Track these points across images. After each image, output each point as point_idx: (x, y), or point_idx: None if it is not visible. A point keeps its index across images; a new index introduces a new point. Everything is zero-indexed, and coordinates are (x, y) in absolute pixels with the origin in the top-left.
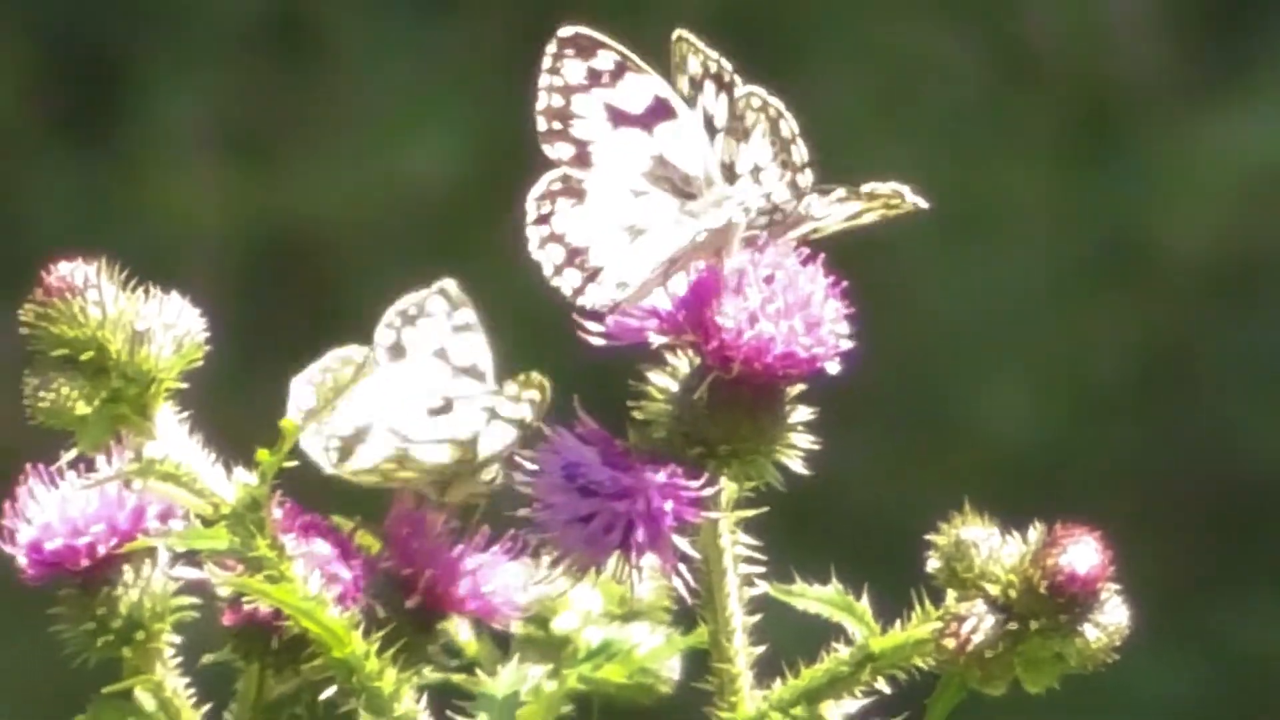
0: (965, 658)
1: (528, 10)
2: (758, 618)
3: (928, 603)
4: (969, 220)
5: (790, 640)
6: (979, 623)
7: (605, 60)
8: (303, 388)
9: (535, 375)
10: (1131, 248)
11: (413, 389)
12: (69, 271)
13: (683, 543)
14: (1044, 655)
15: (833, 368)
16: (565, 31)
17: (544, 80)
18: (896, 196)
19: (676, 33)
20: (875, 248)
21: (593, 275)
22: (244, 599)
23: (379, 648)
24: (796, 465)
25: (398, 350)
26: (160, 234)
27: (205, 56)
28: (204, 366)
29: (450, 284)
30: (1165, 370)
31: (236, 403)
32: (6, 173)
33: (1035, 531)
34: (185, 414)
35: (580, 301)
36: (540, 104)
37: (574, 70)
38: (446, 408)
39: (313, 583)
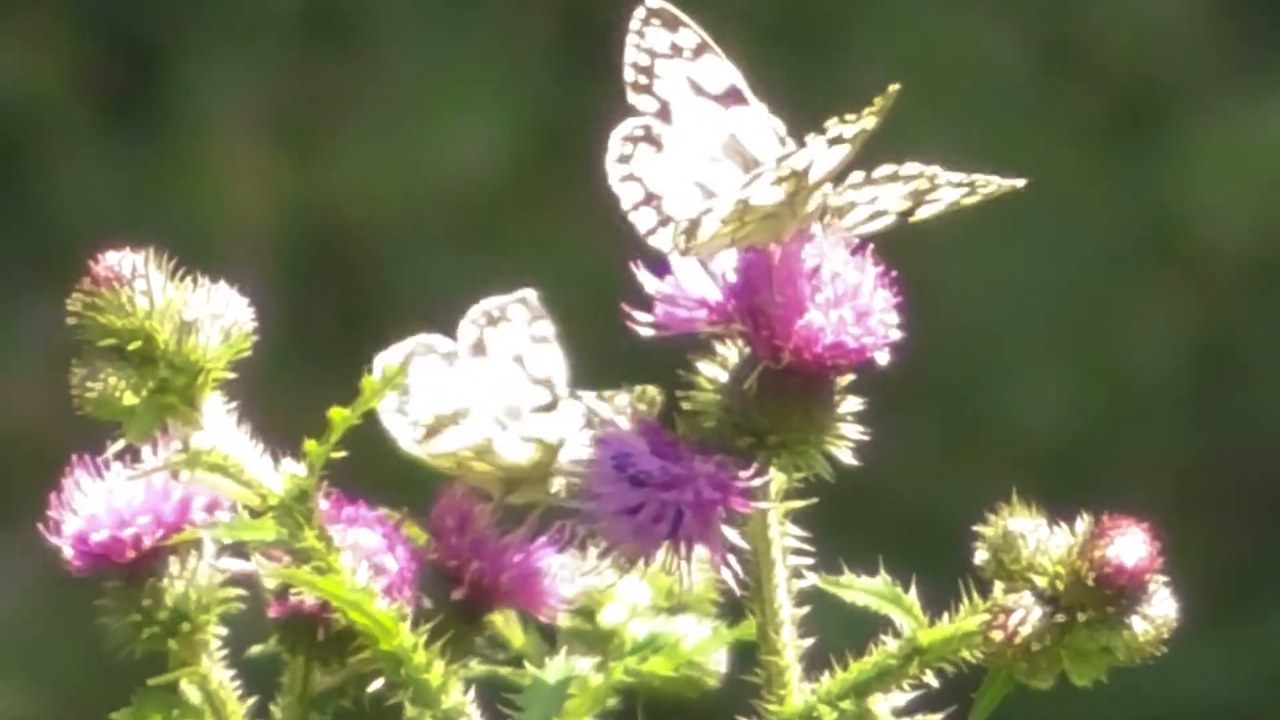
0: (1013, 650)
1: None
2: (806, 610)
3: (975, 595)
4: (1008, 210)
5: (837, 633)
6: (1026, 615)
7: (687, 38)
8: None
9: (650, 390)
10: (1172, 238)
11: (502, 386)
12: (117, 261)
13: (732, 533)
14: (1091, 647)
15: (882, 358)
16: (652, 2)
17: (631, 39)
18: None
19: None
20: (914, 238)
21: (665, 220)
22: (291, 590)
23: (426, 640)
24: (845, 456)
25: (479, 348)
26: (202, 221)
27: (248, 42)
28: (248, 356)
29: (531, 294)
30: (1206, 361)
31: (278, 392)
32: (49, 158)
33: (1082, 523)
34: (232, 404)
35: (651, 241)
36: (628, 57)
37: (658, 39)
38: (550, 406)
39: (360, 574)
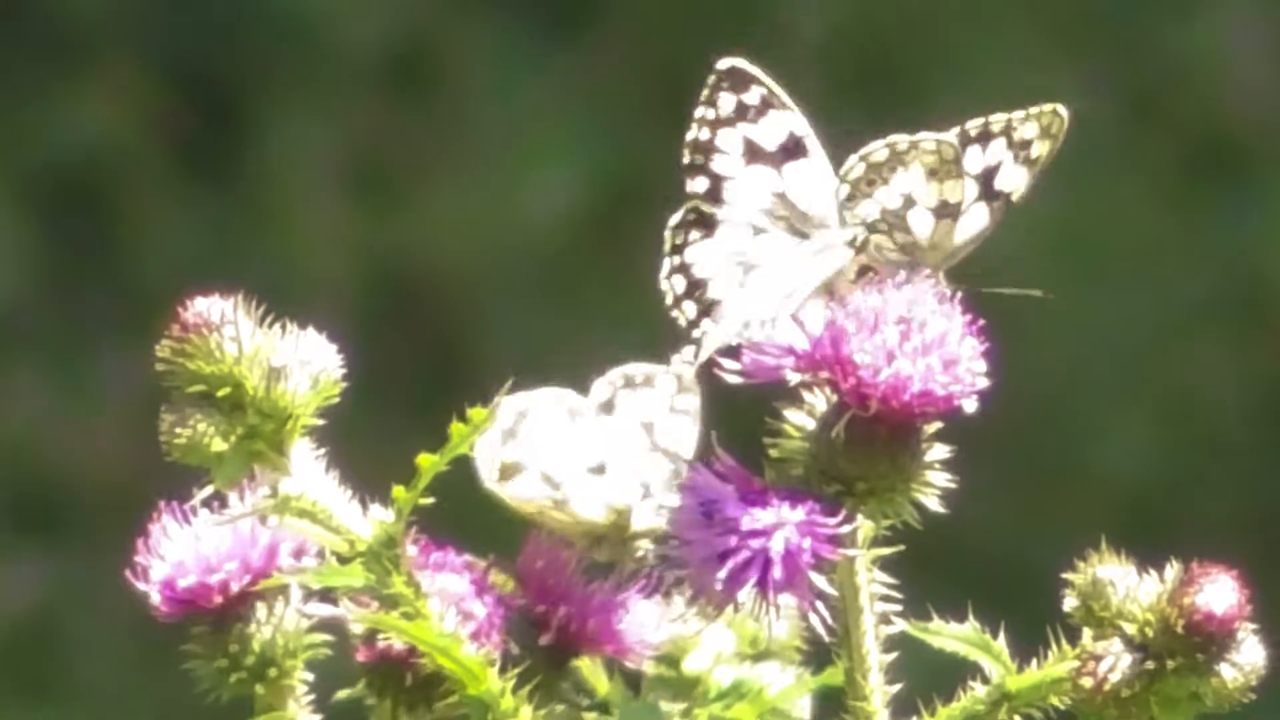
0: (1102, 697)
1: (653, 47)
2: (893, 656)
3: (1064, 641)
4: (1089, 257)
5: (925, 679)
6: (1116, 661)
7: (754, 95)
8: (505, 411)
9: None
10: (1252, 287)
11: (614, 447)
12: (206, 307)
13: (820, 580)
14: (1180, 694)
15: (970, 405)
16: (724, 64)
17: (698, 112)
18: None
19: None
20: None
21: (708, 309)
22: (378, 635)
23: (513, 685)
24: (933, 503)
25: (608, 407)
26: (284, 270)
27: (329, 91)
28: (335, 403)
29: (688, 372)
30: None
31: (364, 438)
32: (131, 208)
33: (1171, 570)
34: (320, 450)
35: (694, 335)
36: (689, 135)
37: (726, 103)
38: (600, 469)
39: (448, 620)
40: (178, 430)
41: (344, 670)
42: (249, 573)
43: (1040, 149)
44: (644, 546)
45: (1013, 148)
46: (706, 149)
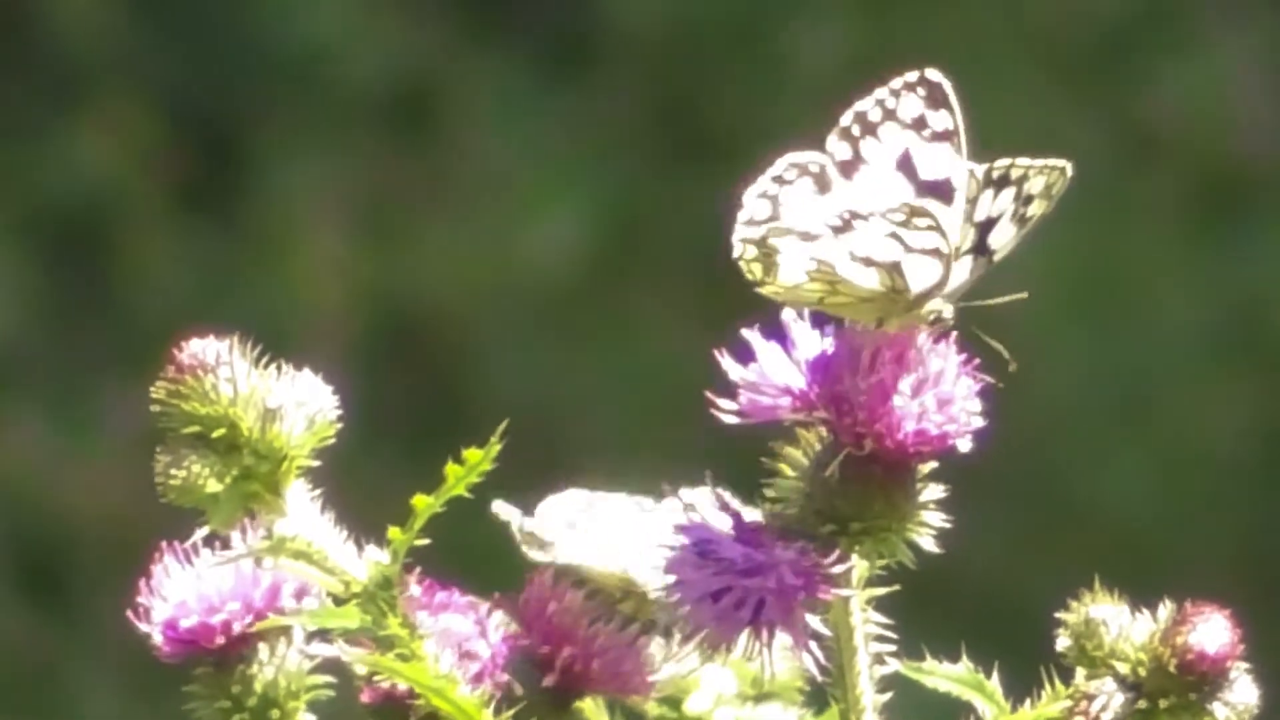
0: None
1: (655, 87)
2: (888, 696)
3: (1057, 681)
4: (1091, 296)
5: (919, 719)
6: (1109, 701)
7: (940, 120)
8: (552, 509)
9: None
10: (1255, 325)
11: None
12: (201, 348)
13: (814, 620)
14: None
15: (964, 445)
16: (934, 75)
17: (879, 93)
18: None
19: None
20: (996, 323)
21: (770, 254)
22: (379, 676)
23: None
24: (928, 543)
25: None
26: (283, 309)
27: (328, 129)
28: (331, 443)
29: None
30: None
31: (362, 479)
32: (129, 246)
33: (1165, 609)
34: (316, 491)
35: (735, 251)
36: (861, 106)
37: (910, 106)
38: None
39: (444, 661)
40: (173, 472)
41: (347, 711)
42: (251, 613)
43: (1036, 209)
44: (664, 610)
45: (1018, 200)
46: (868, 128)
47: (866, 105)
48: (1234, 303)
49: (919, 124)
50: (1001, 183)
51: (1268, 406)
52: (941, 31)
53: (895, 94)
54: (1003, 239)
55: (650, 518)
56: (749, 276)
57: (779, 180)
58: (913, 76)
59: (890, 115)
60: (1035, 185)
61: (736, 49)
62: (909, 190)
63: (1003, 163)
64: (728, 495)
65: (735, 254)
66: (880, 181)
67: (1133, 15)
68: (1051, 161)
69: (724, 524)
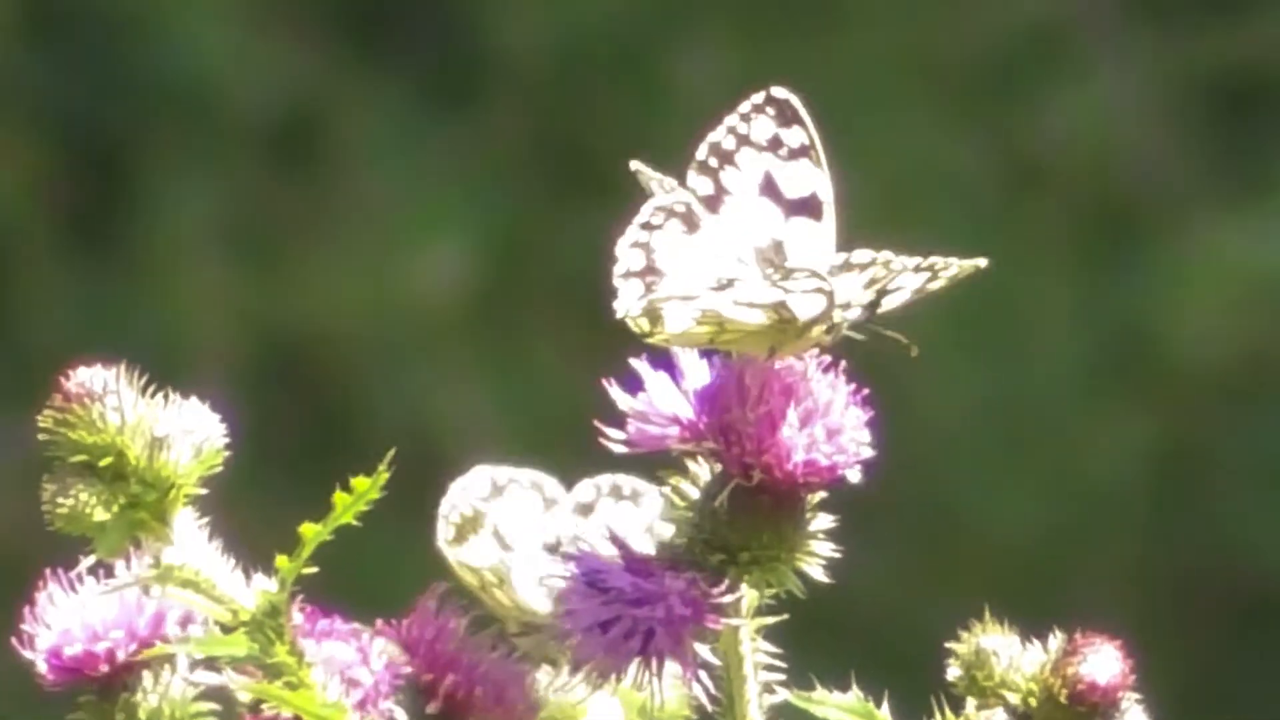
0: None
1: (542, 118)
2: None
3: (948, 711)
4: (978, 324)
5: None
6: None
7: (794, 137)
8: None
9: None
10: (1142, 352)
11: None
12: (88, 377)
13: (703, 650)
14: None
15: (854, 475)
16: (779, 92)
17: (730, 120)
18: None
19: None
20: (883, 352)
21: (655, 312)
22: (266, 705)
23: None
24: (817, 572)
25: (586, 510)
26: (170, 337)
27: (215, 157)
28: (219, 471)
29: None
30: (1175, 474)
31: (249, 507)
32: (13, 273)
33: (1055, 639)
34: (204, 520)
35: (618, 308)
36: (714, 137)
37: (762, 128)
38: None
39: (332, 689)
40: (60, 500)
41: None
42: (135, 641)
43: (933, 287)
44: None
45: (927, 281)
46: (724, 158)
47: (719, 135)
48: (1120, 330)
49: (774, 144)
50: (923, 270)
51: (1155, 434)
52: (826, 58)
53: (746, 118)
54: (891, 304)
55: (559, 518)
56: (635, 331)
57: (647, 227)
58: (759, 98)
59: (744, 140)
60: (947, 273)
61: (620, 78)
62: (777, 213)
63: (937, 260)
64: (617, 527)
65: (619, 315)
66: (747, 209)
67: (1018, 43)
68: (976, 261)
69: (613, 553)
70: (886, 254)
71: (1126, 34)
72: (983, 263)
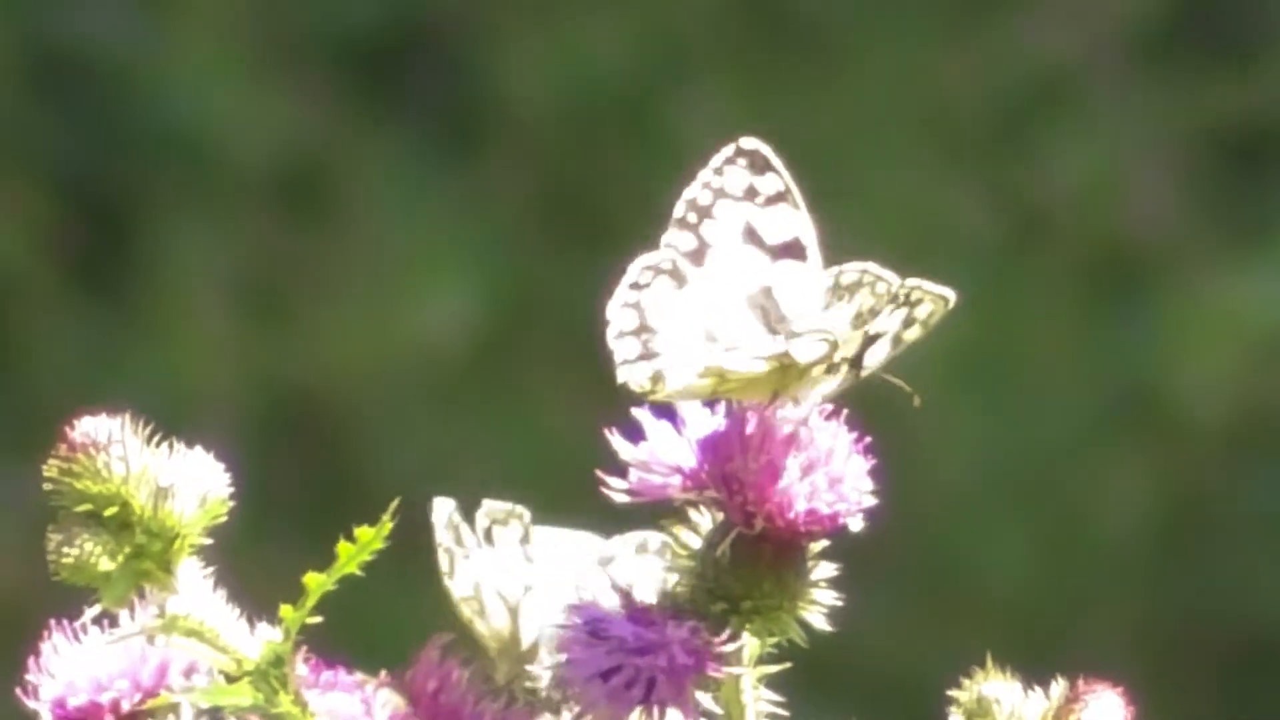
0: None
1: (549, 168)
2: None
3: None
4: (982, 374)
5: None
6: None
7: (769, 184)
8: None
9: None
10: (1146, 403)
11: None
12: (92, 426)
13: (705, 699)
14: None
15: (855, 524)
16: (748, 143)
17: (704, 175)
18: (941, 302)
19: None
20: (886, 401)
21: (647, 356)
22: None
23: None
24: (819, 621)
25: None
26: (174, 386)
27: (219, 206)
28: (224, 521)
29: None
30: (1178, 525)
31: (254, 557)
32: (19, 322)
33: (1058, 687)
34: (208, 570)
35: (620, 375)
36: (689, 193)
37: (736, 180)
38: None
39: None
40: (65, 550)
41: None
42: (140, 691)
43: (911, 335)
44: (542, 673)
45: (904, 323)
46: (702, 212)
47: (694, 191)
48: (1125, 382)
49: (750, 193)
50: (904, 302)
51: (1159, 485)
52: (828, 109)
53: (718, 171)
54: (875, 358)
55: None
56: (638, 392)
57: (636, 286)
58: (729, 150)
59: (720, 193)
60: (922, 311)
61: (624, 128)
62: (763, 259)
63: (912, 282)
64: (620, 576)
65: (620, 381)
66: (731, 258)
67: (1021, 93)
68: (941, 290)
69: (615, 602)
70: (872, 267)
71: (1131, 84)
72: (951, 295)
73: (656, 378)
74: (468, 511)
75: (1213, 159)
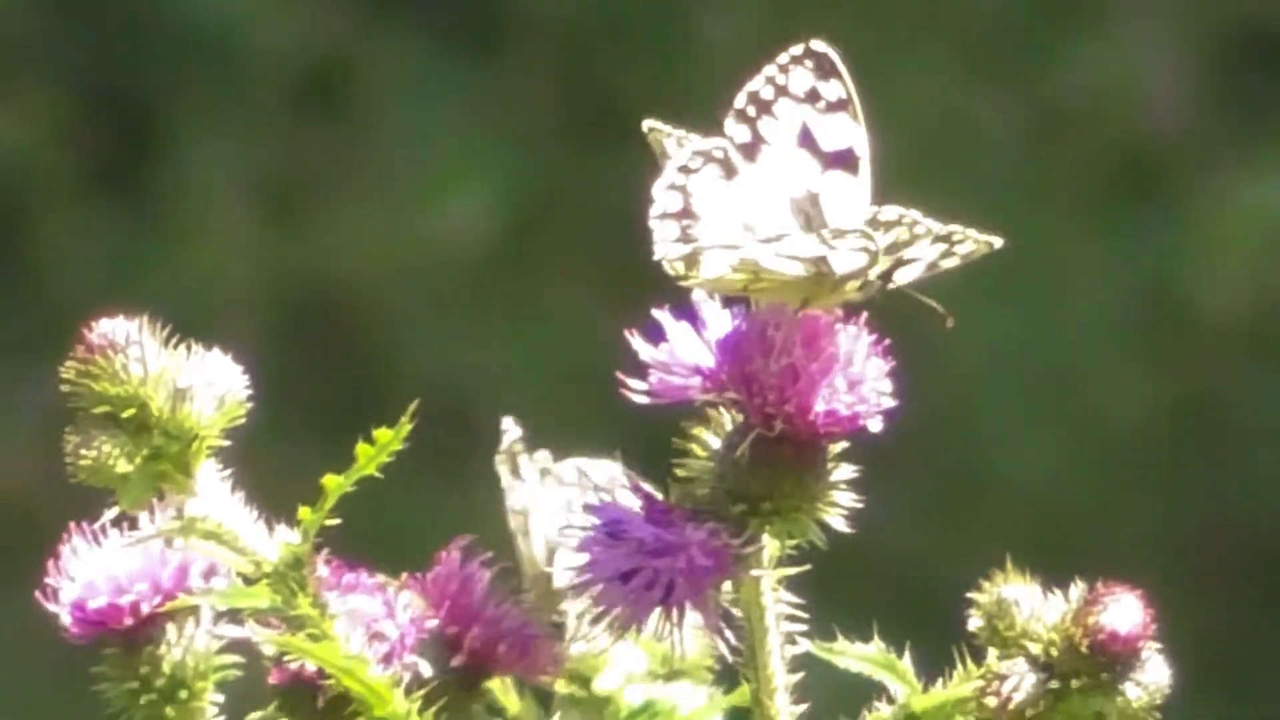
0: (1007, 716)
1: (569, 67)
2: (799, 676)
3: (969, 661)
4: (1002, 275)
5: (831, 699)
6: (1020, 681)
7: (832, 90)
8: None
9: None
10: (1165, 304)
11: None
12: (110, 328)
13: (725, 601)
14: (1085, 714)
15: (875, 425)
16: (818, 45)
17: (769, 70)
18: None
19: (647, 124)
20: (908, 305)
21: (685, 240)
22: (289, 657)
23: (421, 706)
24: (838, 523)
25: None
26: (195, 288)
27: (239, 108)
28: (242, 423)
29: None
30: (1198, 425)
31: (273, 459)
32: (41, 226)
33: (1077, 589)
34: (227, 471)
35: (657, 252)
36: (753, 86)
37: (800, 80)
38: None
39: (354, 641)
40: (82, 452)
41: (256, 692)
42: (159, 594)
43: (949, 264)
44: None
45: (941, 255)
46: (763, 107)
47: (758, 84)
48: (1145, 280)
49: (812, 96)
50: (940, 241)
51: (1179, 384)
52: (850, 13)
53: (784, 69)
54: (908, 276)
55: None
56: (671, 273)
57: (685, 170)
58: (799, 50)
59: (783, 91)
60: (963, 249)
61: (647, 28)
62: (814, 165)
63: (955, 231)
64: (638, 476)
65: (657, 257)
66: (784, 159)
67: None
68: (989, 238)
69: (634, 504)
70: (913, 214)
71: None
72: (998, 242)
73: (692, 262)
74: (493, 424)
75: (1232, 60)
